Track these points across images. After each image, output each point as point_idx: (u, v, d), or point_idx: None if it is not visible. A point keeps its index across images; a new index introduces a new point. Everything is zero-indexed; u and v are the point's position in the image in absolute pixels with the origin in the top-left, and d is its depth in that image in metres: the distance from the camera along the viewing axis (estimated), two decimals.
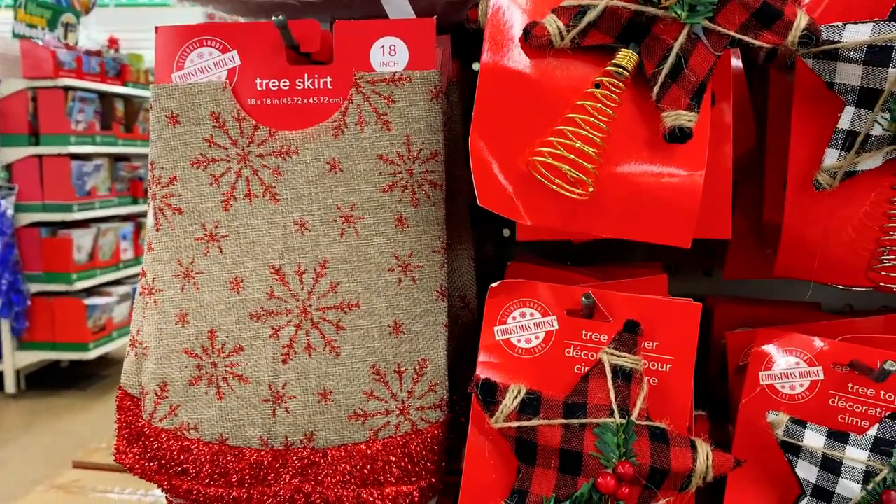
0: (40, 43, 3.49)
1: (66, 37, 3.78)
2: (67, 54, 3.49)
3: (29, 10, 3.58)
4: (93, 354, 3.52)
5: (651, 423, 0.57)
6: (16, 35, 3.48)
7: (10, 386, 3.46)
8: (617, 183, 0.55)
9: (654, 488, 0.56)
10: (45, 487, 2.18)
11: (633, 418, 0.56)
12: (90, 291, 3.65)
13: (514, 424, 0.57)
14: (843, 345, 0.65)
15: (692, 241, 0.91)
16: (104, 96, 3.78)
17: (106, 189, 3.77)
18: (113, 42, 4.09)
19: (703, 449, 0.57)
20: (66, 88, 3.44)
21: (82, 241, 3.55)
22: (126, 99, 4.01)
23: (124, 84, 3.92)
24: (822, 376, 0.65)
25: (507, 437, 0.57)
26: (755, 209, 0.75)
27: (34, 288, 3.47)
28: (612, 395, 0.57)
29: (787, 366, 0.66)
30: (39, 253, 3.46)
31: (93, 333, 3.53)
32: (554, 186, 0.53)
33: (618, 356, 0.58)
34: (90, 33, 4.04)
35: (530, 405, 0.57)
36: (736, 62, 0.70)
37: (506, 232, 0.95)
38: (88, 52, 3.70)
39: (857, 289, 0.72)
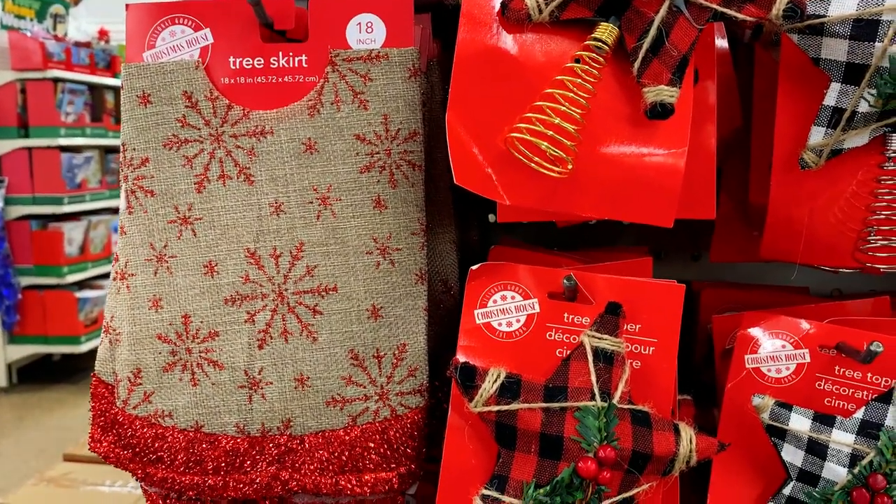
0: (29, 34, 3.45)
1: (55, 28, 3.74)
2: (56, 45, 3.46)
3: (17, 1, 3.54)
4: (85, 348, 3.50)
5: (633, 407, 0.56)
6: (4, 26, 3.44)
7: (1, 380, 3.44)
8: (597, 161, 0.53)
9: (636, 473, 0.55)
10: (35, 481, 2.16)
11: (614, 401, 0.55)
12: (81, 284, 3.62)
13: (494, 408, 0.55)
14: (830, 327, 0.64)
15: (679, 225, 0.90)
16: (94, 88, 3.75)
17: (97, 181, 3.74)
18: (103, 33, 4.06)
19: (687, 433, 0.56)
20: (56, 80, 3.41)
21: (73, 233, 3.53)
22: (116, 90, 3.97)
23: (115, 76, 3.89)
24: (808, 359, 0.64)
25: (487, 421, 0.56)
26: (742, 191, 0.74)
27: (25, 281, 3.45)
28: (594, 378, 0.55)
29: (773, 349, 0.65)
30: (30, 246, 3.44)
31: (84, 326, 3.51)
32: (533, 165, 0.52)
33: (599, 338, 0.57)
34: (80, 24, 4.00)
35: (510, 389, 0.56)
36: (722, 42, 0.69)
37: (491, 217, 0.94)
38: (78, 44, 3.66)
39: (844, 270, 0.71)
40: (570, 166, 0.51)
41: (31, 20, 3.62)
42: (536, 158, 0.52)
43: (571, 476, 0.53)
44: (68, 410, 3.21)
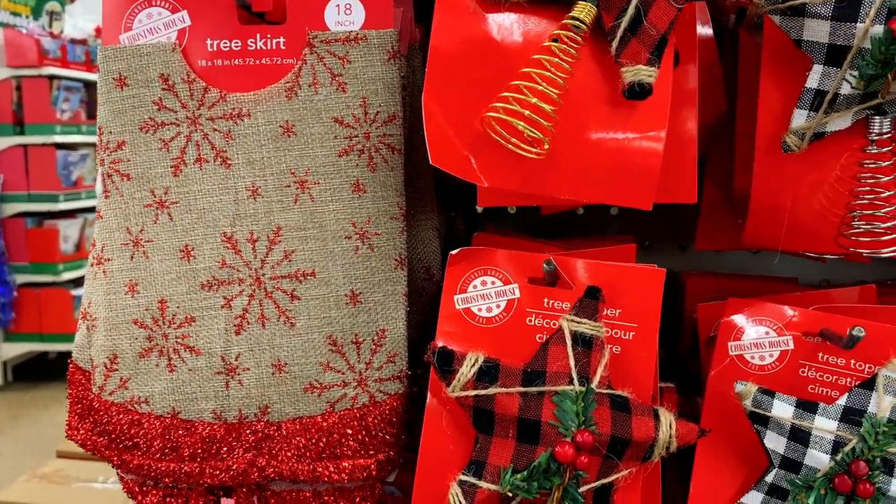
0: (24, 31, 3.44)
1: (50, 25, 3.73)
2: (52, 43, 3.45)
3: None
4: None
5: (612, 392, 0.55)
6: None
7: None
8: (575, 143, 0.53)
9: (615, 458, 0.54)
10: (28, 477, 2.16)
11: (593, 386, 0.54)
12: (77, 282, 3.61)
13: (472, 393, 0.55)
14: (814, 313, 0.63)
15: (665, 215, 0.90)
16: (90, 85, 3.73)
17: (92, 179, 3.73)
18: (99, 31, 4.05)
19: (666, 418, 0.55)
20: (51, 77, 3.40)
21: (69, 231, 3.52)
22: None
23: None
24: (792, 346, 0.63)
25: (465, 406, 0.56)
26: (727, 178, 0.74)
27: (20, 279, 3.44)
28: (572, 363, 0.55)
29: (756, 336, 0.64)
30: (25, 244, 3.43)
31: None
32: (510, 146, 0.51)
33: (578, 322, 0.56)
34: (76, 22, 3.98)
35: (488, 373, 0.55)
36: (706, 29, 0.68)
37: (479, 208, 0.93)
38: (73, 41, 3.66)
39: (830, 257, 0.70)
40: (546, 147, 0.51)
41: (27, 17, 3.61)
42: (514, 139, 0.51)
43: (549, 461, 0.52)
44: (64, 408, 3.20)
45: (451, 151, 0.52)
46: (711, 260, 0.92)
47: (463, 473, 0.55)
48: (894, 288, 0.81)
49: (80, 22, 3.95)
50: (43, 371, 3.63)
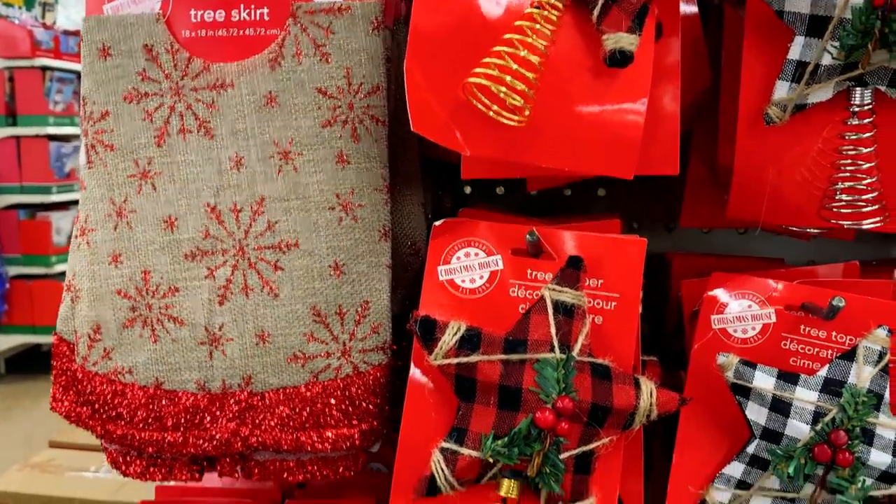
0: (17, 22, 3.43)
1: (43, 16, 3.72)
2: (45, 34, 3.44)
3: None
4: None
5: (593, 360, 0.56)
6: None
7: None
8: (557, 111, 0.53)
9: (596, 426, 0.54)
10: (20, 466, 2.15)
11: (573, 353, 0.55)
12: None
13: (454, 361, 0.55)
14: (797, 286, 0.64)
15: (653, 196, 0.90)
16: None
17: None
18: None
19: (647, 386, 0.55)
20: (44, 68, 3.39)
21: (62, 223, 3.51)
22: None
23: None
24: (774, 319, 0.64)
25: (447, 374, 0.56)
26: (712, 155, 0.74)
27: (13, 271, 3.43)
28: (553, 331, 0.55)
29: (739, 309, 0.64)
30: (18, 236, 3.42)
31: None
32: (491, 113, 0.52)
33: (560, 291, 0.56)
34: (69, 13, 3.97)
35: (470, 341, 0.55)
36: (690, 6, 0.68)
37: (467, 189, 0.94)
38: (66, 32, 3.64)
39: (813, 231, 0.71)
40: (527, 113, 0.51)
41: (20, 8, 3.60)
42: (495, 106, 0.51)
43: (529, 427, 0.52)
44: None
45: (433, 119, 0.52)
46: (699, 241, 0.92)
47: (445, 441, 0.55)
48: (879, 268, 0.81)
49: (72, 13, 3.93)
50: (36, 363, 3.62)
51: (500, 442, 0.53)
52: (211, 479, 0.75)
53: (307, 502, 0.69)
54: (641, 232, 0.95)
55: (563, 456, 0.54)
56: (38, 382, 3.43)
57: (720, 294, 0.65)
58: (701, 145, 0.76)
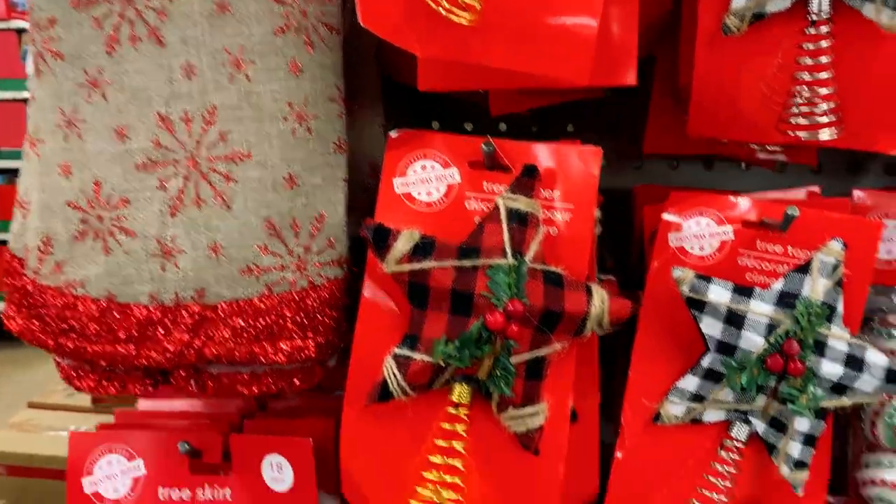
0: None
1: None
2: None
3: None
4: None
5: (546, 267, 0.55)
6: None
7: None
8: (509, 10, 0.52)
9: (547, 331, 0.54)
10: None
11: (526, 260, 0.54)
12: None
13: (407, 268, 0.55)
14: (754, 201, 0.64)
15: (621, 131, 0.89)
16: None
17: None
18: None
19: (599, 293, 0.55)
20: (20, 31, 3.32)
21: None
22: None
23: None
24: (732, 237, 0.64)
25: (400, 282, 0.56)
26: (674, 81, 0.73)
27: None
28: (506, 238, 0.55)
29: (697, 227, 0.64)
30: None
31: None
32: (441, 10, 0.51)
33: (513, 200, 0.56)
34: None
35: (423, 249, 0.55)
36: None
37: (434, 125, 0.93)
38: None
39: (777, 156, 0.71)
40: (478, 7, 0.50)
41: None
42: (445, 3, 0.51)
43: (480, 329, 0.52)
44: (40, 366, 3.17)
45: (383, 15, 0.51)
46: (667, 178, 0.92)
47: (398, 347, 0.55)
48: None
49: None
50: None
51: (451, 345, 0.53)
52: (171, 405, 0.75)
53: (266, 422, 0.69)
54: (608, 170, 0.95)
55: (514, 360, 0.54)
56: (20, 349, 3.40)
57: (678, 213, 0.65)
58: (663, 71, 0.75)
